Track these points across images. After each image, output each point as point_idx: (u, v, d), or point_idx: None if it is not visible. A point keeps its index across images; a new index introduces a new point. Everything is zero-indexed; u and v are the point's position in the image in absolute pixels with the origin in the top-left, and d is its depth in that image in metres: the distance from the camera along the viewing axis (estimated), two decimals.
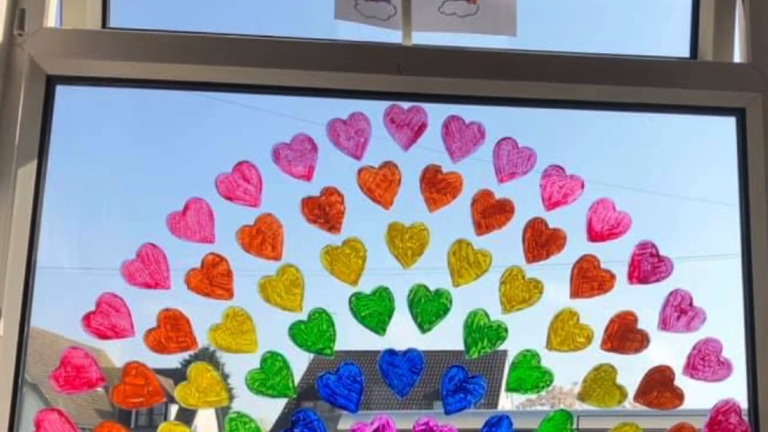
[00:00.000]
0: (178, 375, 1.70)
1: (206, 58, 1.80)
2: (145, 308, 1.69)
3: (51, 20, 1.81)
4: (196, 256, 1.69)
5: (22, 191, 1.73)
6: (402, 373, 1.70)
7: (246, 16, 2.02)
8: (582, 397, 1.74)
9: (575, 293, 1.76)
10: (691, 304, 1.77)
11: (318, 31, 1.86)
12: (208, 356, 1.79)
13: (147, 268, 1.68)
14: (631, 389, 1.75)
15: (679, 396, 1.75)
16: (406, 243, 1.73)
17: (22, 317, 1.71)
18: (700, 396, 1.78)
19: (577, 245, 1.77)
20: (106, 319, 1.66)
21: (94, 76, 1.83)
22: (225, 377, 1.69)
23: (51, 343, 2.06)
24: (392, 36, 1.86)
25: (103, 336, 1.66)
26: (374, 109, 1.77)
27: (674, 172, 2.31)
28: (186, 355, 1.72)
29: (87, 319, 1.66)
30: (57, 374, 1.64)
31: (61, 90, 1.81)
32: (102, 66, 1.80)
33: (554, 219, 1.77)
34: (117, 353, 1.77)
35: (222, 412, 1.76)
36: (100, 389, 1.71)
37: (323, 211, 1.72)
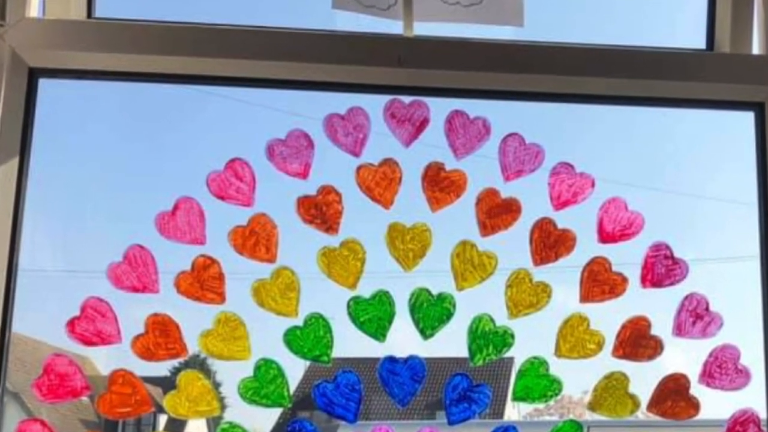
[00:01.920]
0: (167, 383, 1.68)
1: (197, 49, 1.76)
2: (133, 313, 1.66)
3: (33, 10, 1.78)
4: (186, 259, 1.66)
5: (3, 190, 1.69)
6: (403, 381, 1.67)
7: (239, 6, 1.99)
8: (592, 406, 1.72)
9: (585, 297, 1.73)
10: (707, 309, 1.74)
11: (315, 21, 1.84)
12: (198, 364, 1.78)
13: (134, 271, 1.65)
14: (644, 398, 1.72)
15: (694, 405, 1.72)
16: (408, 244, 1.70)
17: (3, 322, 1.67)
18: (716, 405, 1.76)
19: (588, 247, 1.74)
20: (91, 325, 1.63)
21: (79, 68, 1.79)
22: (216, 386, 1.67)
23: (33, 349, 2.04)
24: (393, 27, 1.83)
25: (88, 342, 1.63)
26: (374, 104, 1.74)
27: (689, 169, 2.30)
28: (176, 362, 1.69)
29: (71, 324, 1.62)
30: (40, 382, 1.61)
31: (44, 83, 1.78)
32: (87, 58, 1.77)
33: (563, 219, 1.74)
34: (103, 360, 1.76)
35: (213, 423, 1.77)
36: (85, 398, 1.69)
37: (320, 210, 1.69)
